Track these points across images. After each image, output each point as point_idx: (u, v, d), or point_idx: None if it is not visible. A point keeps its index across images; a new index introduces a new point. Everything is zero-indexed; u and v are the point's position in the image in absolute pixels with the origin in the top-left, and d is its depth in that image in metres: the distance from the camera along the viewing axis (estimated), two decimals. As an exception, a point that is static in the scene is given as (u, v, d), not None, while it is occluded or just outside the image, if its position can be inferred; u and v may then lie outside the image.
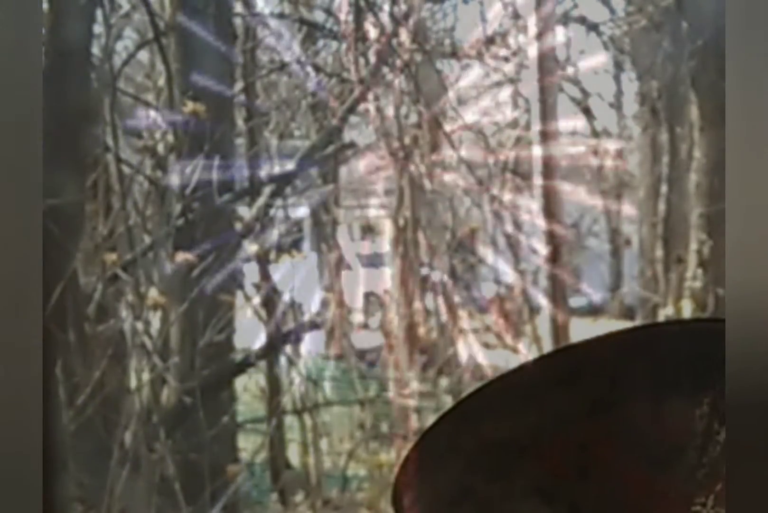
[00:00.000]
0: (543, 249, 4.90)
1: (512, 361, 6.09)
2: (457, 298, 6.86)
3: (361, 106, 6.87)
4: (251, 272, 6.25)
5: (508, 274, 7.14)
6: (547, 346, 5.35)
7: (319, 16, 7.33)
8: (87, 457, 4.12)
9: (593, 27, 8.03)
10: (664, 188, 7.26)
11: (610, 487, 1.05)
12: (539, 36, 4.79)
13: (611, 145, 9.11)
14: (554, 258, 4.76)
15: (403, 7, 6.45)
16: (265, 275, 6.10)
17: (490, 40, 7.54)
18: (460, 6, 7.40)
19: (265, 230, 5.90)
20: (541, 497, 1.05)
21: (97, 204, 4.64)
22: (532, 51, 4.86)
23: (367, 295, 11.96)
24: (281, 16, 7.07)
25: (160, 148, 5.43)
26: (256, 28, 6.22)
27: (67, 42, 4.12)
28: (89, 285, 4.46)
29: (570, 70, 8.16)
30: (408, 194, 6.79)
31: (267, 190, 5.94)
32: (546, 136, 4.89)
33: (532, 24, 4.82)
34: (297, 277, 6.89)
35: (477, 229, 8.17)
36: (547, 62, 4.82)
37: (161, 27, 5.30)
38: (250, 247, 5.74)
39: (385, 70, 6.63)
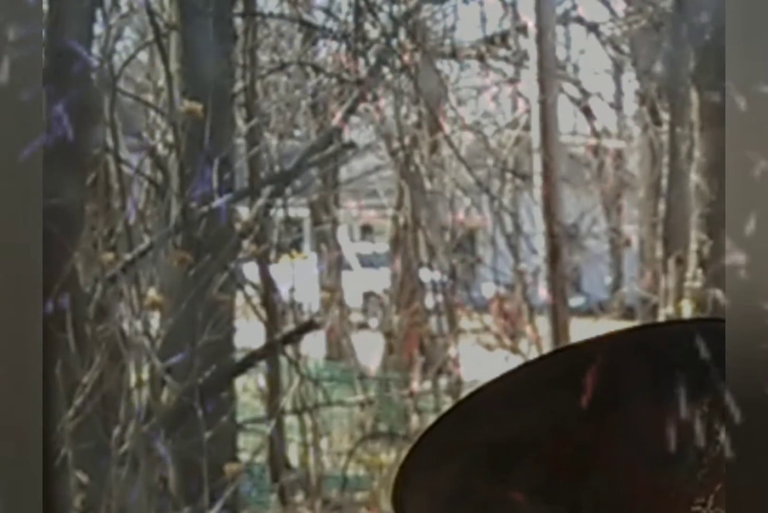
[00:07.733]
0: (543, 249, 4.90)
1: (512, 361, 6.09)
2: (456, 298, 6.85)
3: (361, 106, 6.87)
4: (251, 272, 6.25)
5: (508, 274, 7.14)
6: (547, 346, 5.34)
7: (319, 16, 7.33)
8: (87, 457, 4.12)
9: (593, 27, 8.03)
10: (664, 188, 7.26)
11: (610, 487, 1.05)
12: (539, 36, 4.79)
13: (611, 145, 9.11)
14: (554, 258, 4.76)
15: (403, 7, 6.45)
16: (265, 275, 6.10)
17: (490, 40, 7.55)
18: (460, 6, 7.41)
19: (265, 230, 5.89)
20: (541, 497, 1.05)
21: (97, 204, 4.63)
22: (532, 51, 4.86)
23: (367, 295, 11.97)
24: (281, 16, 7.07)
25: (160, 147, 5.43)
26: (256, 28, 6.22)
27: (67, 42, 4.12)
28: (89, 285, 4.46)
29: (570, 70, 8.16)
30: (408, 194, 6.79)
31: (267, 190, 5.93)
32: (546, 136, 4.89)
33: (531, 24, 4.82)
34: (297, 277, 6.89)
35: (477, 229, 8.17)
36: (547, 62, 4.82)
37: (161, 27, 5.30)
38: (250, 247, 5.73)
39: (385, 70, 6.62)
